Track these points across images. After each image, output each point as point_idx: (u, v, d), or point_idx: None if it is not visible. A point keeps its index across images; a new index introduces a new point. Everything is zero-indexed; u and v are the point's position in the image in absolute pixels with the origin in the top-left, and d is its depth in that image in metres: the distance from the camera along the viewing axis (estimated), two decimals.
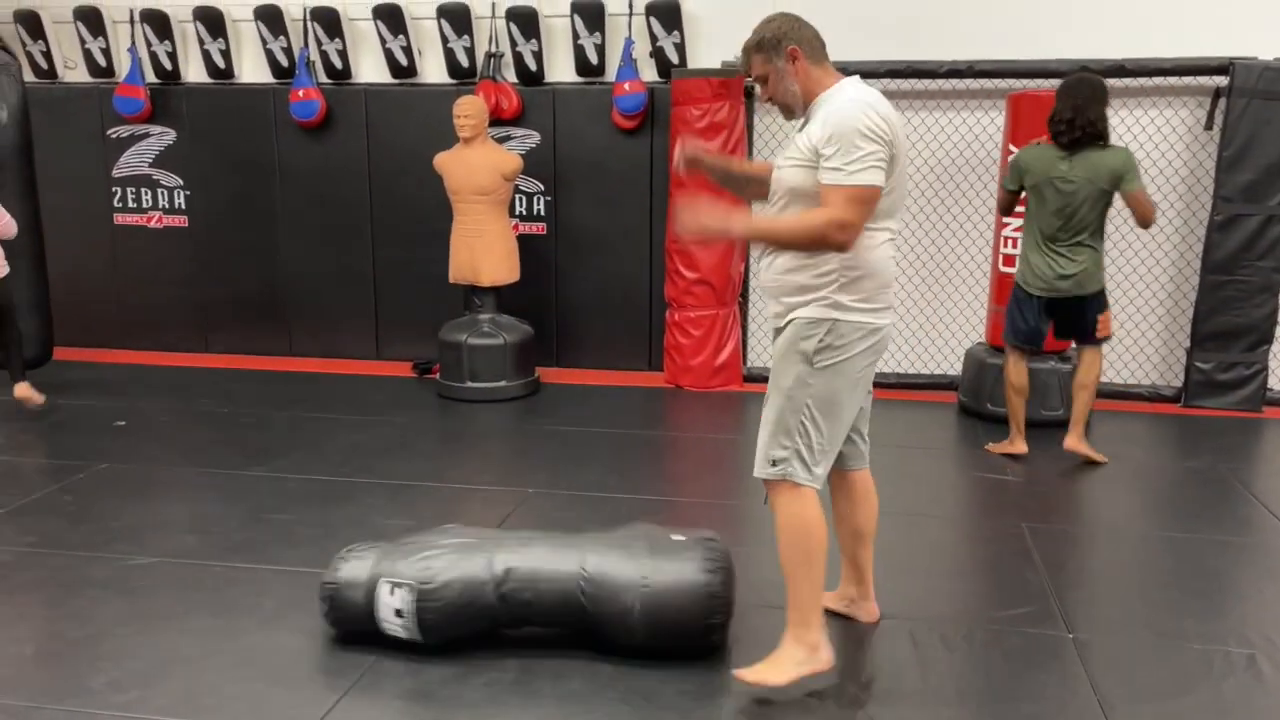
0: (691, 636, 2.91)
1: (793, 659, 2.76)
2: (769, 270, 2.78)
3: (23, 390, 5.45)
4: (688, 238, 2.79)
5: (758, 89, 2.85)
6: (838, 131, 2.56)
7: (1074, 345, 4.98)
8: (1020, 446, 4.88)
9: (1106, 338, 4.74)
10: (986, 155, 6.05)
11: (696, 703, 2.74)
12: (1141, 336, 6.10)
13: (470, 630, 2.96)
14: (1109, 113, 4.52)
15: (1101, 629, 3.19)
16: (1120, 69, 5.59)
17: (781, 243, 2.68)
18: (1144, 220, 4.52)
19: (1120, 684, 2.86)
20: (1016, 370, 4.84)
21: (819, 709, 2.72)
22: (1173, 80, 5.76)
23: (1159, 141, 5.84)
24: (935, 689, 2.84)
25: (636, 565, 2.91)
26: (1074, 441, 4.79)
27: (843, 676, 2.89)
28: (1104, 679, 2.88)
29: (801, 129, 2.74)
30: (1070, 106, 4.45)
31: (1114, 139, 4.69)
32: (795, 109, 2.78)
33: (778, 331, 2.79)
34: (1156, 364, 6.15)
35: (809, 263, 2.67)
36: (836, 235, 2.56)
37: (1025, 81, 5.81)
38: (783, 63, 2.73)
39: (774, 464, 2.73)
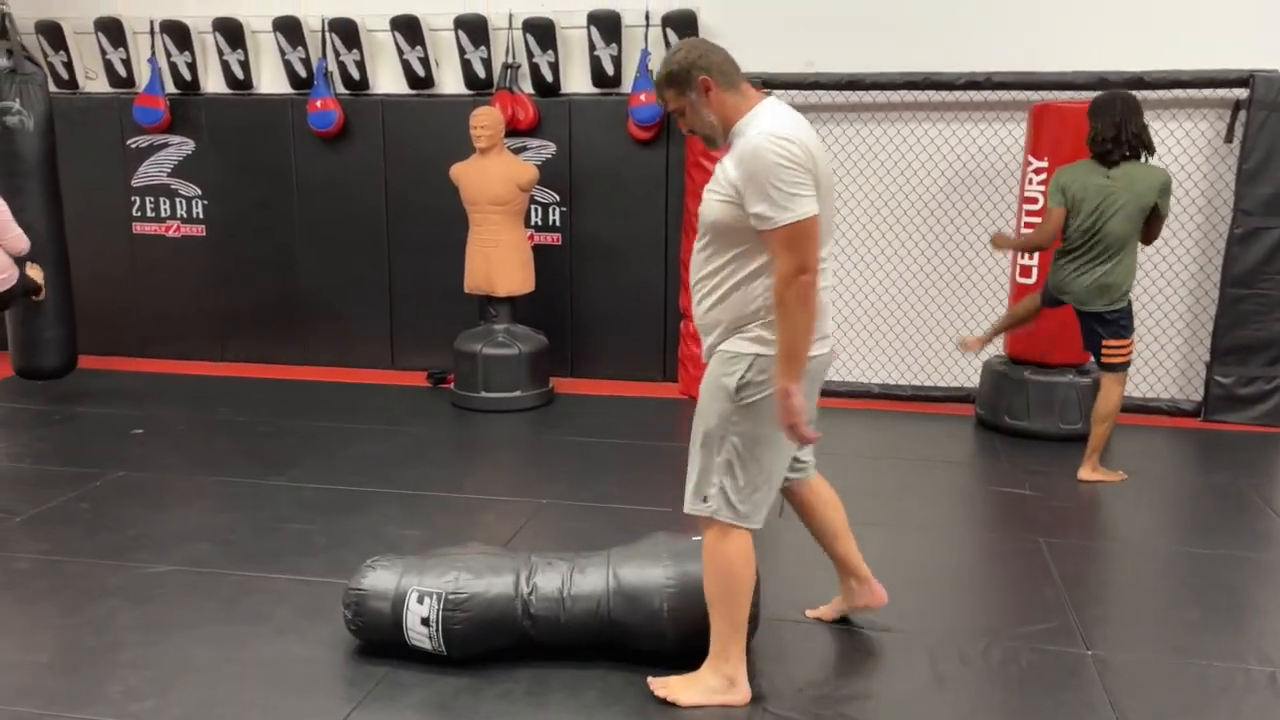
0: None
1: (706, 686, 2.78)
2: (698, 309, 2.72)
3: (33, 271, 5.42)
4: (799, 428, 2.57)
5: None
6: (753, 172, 2.47)
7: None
8: (975, 344, 5.03)
9: (1118, 364, 4.62)
10: (1004, 168, 6.03)
11: (712, 716, 2.73)
12: (1161, 350, 6.06)
13: (495, 645, 2.95)
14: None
15: (1120, 646, 3.17)
16: (1139, 81, 5.56)
17: (800, 342, 2.50)
18: (1150, 239, 4.59)
19: (1139, 702, 2.83)
20: (1031, 298, 4.94)
21: None
22: (1192, 93, 5.73)
23: (1178, 154, 5.81)
24: (951, 705, 2.82)
25: (661, 569, 2.92)
26: (1086, 473, 4.75)
27: (857, 692, 2.87)
28: (1123, 696, 2.85)
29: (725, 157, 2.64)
30: (1112, 124, 4.43)
31: None
32: (716, 139, 2.69)
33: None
34: (1176, 378, 6.10)
35: (734, 299, 2.60)
36: (801, 281, 2.46)
37: (1044, 93, 5.79)
38: (695, 95, 2.64)
39: (705, 500, 2.70)
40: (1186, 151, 5.82)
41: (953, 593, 3.63)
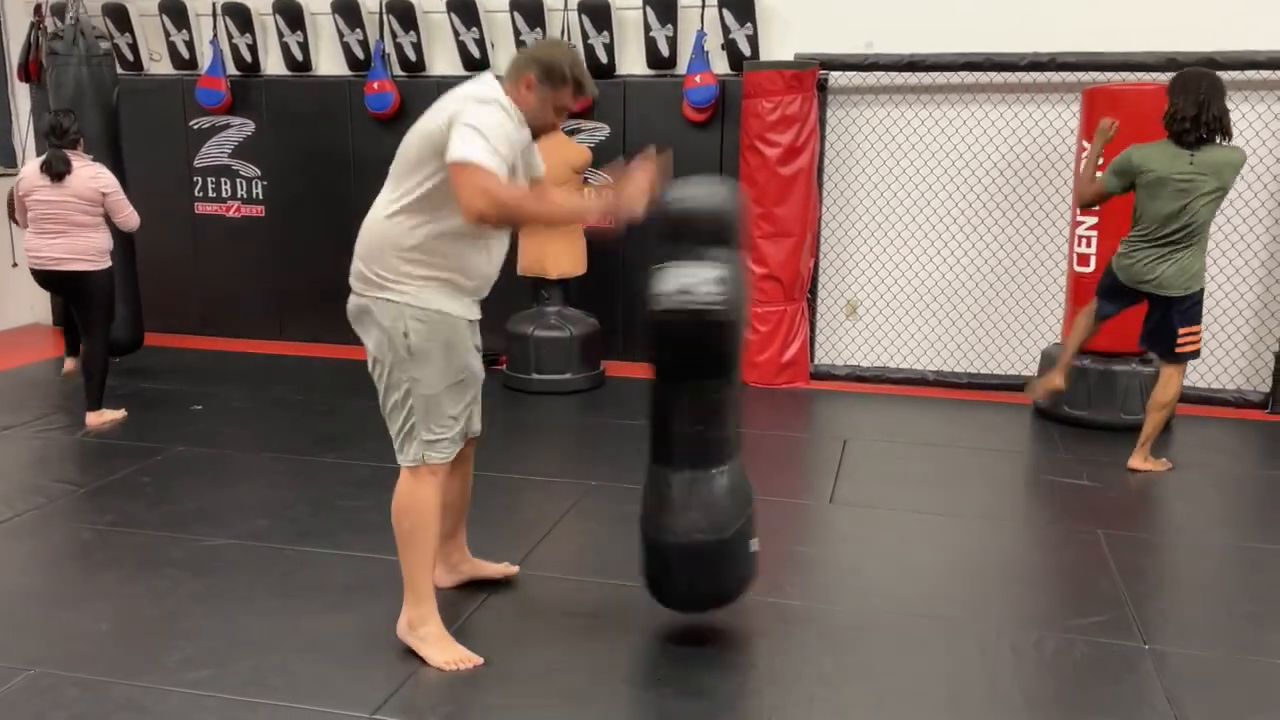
0: None
1: (418, 636, 2.92)
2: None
3: (92, 419, 5.16)
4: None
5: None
6: None
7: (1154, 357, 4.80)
8: (1057, 381, 4.78)
9: (1190, 354, 4.50)
10: (1068, 150, 5.89)
11: (736, 693, 2.72)
12: (1228, 340, 5.89)
13: None
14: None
15: (1179, 641, 3.09)
16: (1211, 61, 5.38)
17: None
18: None
19: (1197, 699, 2.76)
20: (1086, 315, 4.74)
21: (879, 717, 2.68)
22: (1266, 74, 5.55)
23: (1250, 137, 5.63)
24: (1003, 698, 2.77)
25: None
26: (1138, 462, 4.63)
27: (907, 681, 2.83)
28: (1180, 692, 2.79)
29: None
30: (1194, 103, 4.25)
31: None
32: None
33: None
34: (1243, 368, 5.93)
35: None
36: None
37: (1109, 75, 5.64)
38: None
39: None
40: (1259, 135, 5.64)
41: (1006, 583, 3.57)
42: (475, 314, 2.94)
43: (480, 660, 2.84)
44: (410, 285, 2.78)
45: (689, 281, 2.71)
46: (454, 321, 2.82)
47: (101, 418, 5.18)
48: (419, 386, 2.82)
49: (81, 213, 4.98)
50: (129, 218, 5.15)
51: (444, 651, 2.85)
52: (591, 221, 2.84)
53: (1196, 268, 4.39)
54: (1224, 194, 4.34)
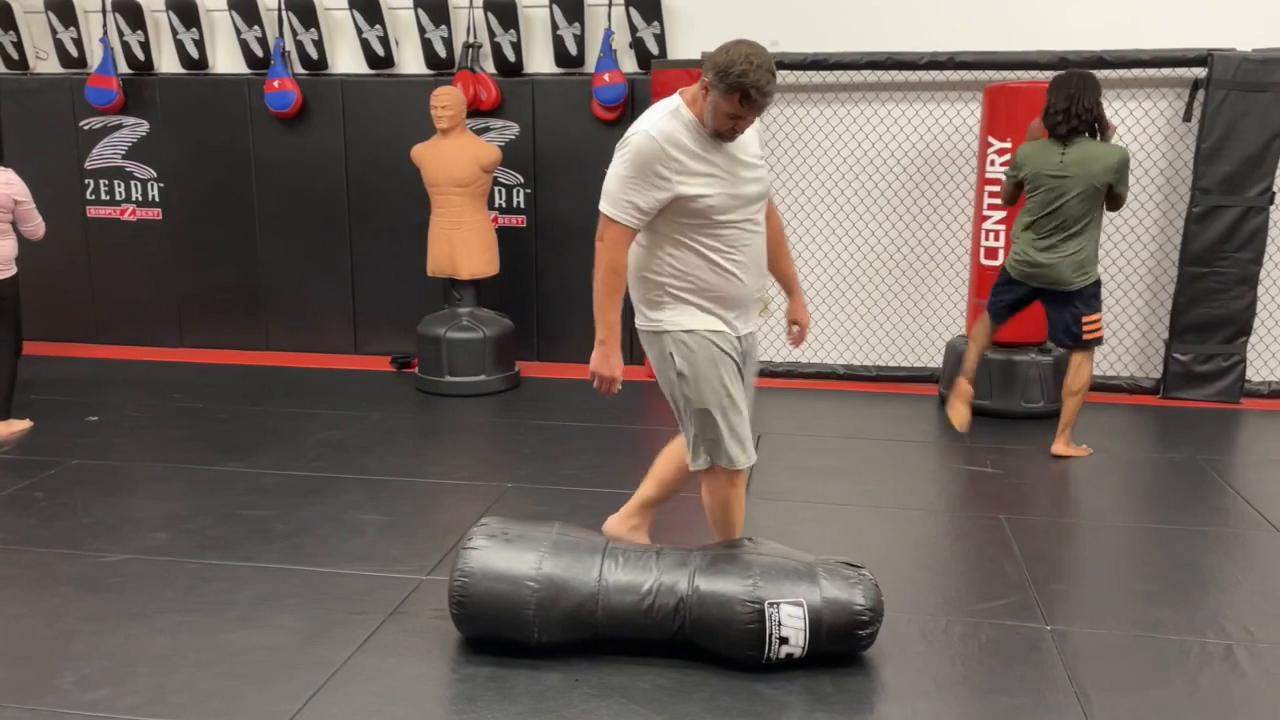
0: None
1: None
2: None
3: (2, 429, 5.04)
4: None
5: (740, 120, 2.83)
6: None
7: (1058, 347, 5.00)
8: (965, 388, 4.96)
9: (1095, 341, 4.67)
10: (966, 147, 6.04)
11: (673, 696, 2.72)
12: (1120, 328, 6.12)
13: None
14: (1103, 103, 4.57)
15: (1079, 620, 3.20)
16: (1100, 61, 5.59)
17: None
18: (1112, 209, 4.65)
19: (1097, 675, 2.86)
20: (981, 325, 4.96)
21: (793, 703, 2.71)
22: (1151, 72, 5.77)
23: (1138, 134, 5.85)
24: (912, 681, 2.83)
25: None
26: (1060, 447, 4.80)
27: (818, 670, 2.87)
28: (1081, 670, 2.88)
29: (731, 144, 2.85)
30: (1065, 96, 4.49)
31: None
32: None
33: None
34: (1135, 355, 6.16)
35: None
36: None
37: (1005, 73, 5.81)
38: None
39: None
40: (1146, 131, 5.87)
41: (914, 569, 3.65)
42: (732, 330, 2.98)
43: None
44: (664, 310, 2.99)
45: None
46: (704, 339, 2.91)
47: (10, 428, 5.04)
48: (690, 403, 2.95)
49: None
50: (37, 228, 5.06)
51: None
52: (599, 336, 3.06)
53: (1083, 258, 4.55)
54: (1101, 191, 4.49)
